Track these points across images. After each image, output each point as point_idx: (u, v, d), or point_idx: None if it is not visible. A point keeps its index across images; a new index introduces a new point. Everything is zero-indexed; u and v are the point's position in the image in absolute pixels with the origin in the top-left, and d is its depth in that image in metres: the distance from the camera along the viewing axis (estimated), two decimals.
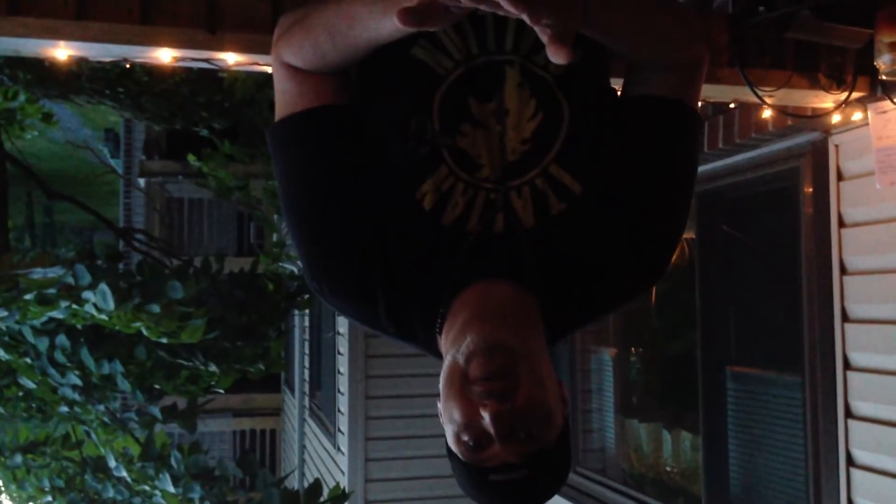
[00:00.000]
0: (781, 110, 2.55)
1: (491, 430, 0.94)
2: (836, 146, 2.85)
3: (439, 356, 1.08)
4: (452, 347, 1.00)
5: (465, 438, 0.97)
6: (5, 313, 3.32)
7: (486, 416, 0.94)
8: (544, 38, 0.85)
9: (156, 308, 3.29)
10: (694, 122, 1.16)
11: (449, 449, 1.01)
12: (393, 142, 1.09)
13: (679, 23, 1.12)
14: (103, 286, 3.19)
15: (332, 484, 6.34)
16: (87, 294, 3.24)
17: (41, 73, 5.44)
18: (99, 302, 3.20)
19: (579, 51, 0.87)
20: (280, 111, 1.10)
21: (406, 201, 1.08)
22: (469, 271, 1.06)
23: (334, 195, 1.08)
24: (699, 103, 1.19)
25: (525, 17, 0.83)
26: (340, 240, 1.08)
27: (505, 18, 1.12)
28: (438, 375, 1.04)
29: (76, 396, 3.83)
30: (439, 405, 1.03)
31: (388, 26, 0.94)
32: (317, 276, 1.11)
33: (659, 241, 1.14)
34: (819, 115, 2.55)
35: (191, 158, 6.36)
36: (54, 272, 3.24)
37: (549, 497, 1.02)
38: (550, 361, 1.03)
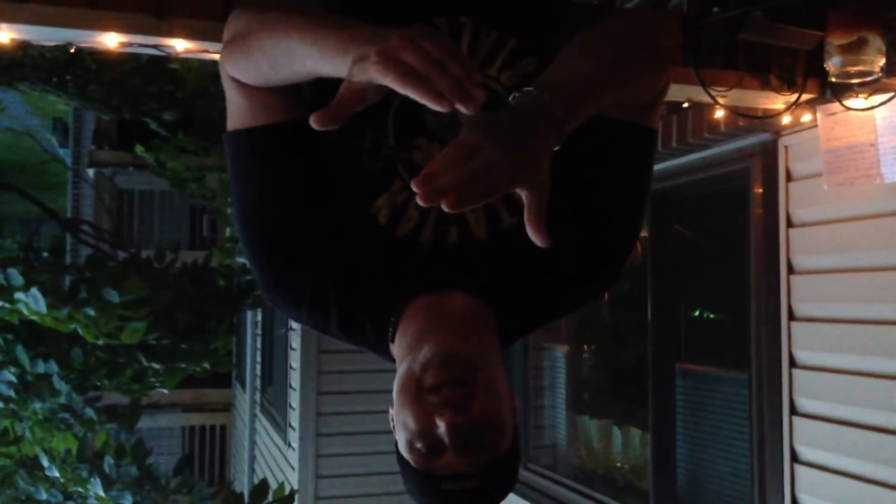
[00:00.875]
0: (733, 110, 2.58)
1: (446, 439, 0.94)
2: (786, 147, 2.89)
3: (391, 360, 1.08)
4: (409, 356, 1.00)
5: (419, 446, 0.96)
6: None
7: (441, 426, 0.94)
8: (526, 205, 0.86)
9: (91, 311, 3.24)
10: (651, 141, 1.16)
11: (400, 456, 1.01)
12: (347, 156, 1.08)
13: (650, 63, 1.09)
14: (34, 291, 3.15)
15: (282, 480, 6.28)
16: (19, 295, 3.18)
17: None
18: (31, 304, 3.15)
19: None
20: (232, 121, 1.08)
21: (361, 215, 1.08)
22: (421, 282, 1.06)
23: (288, 210, 1.07)
24: (659, 118, 1.18)
25: (460, 108, 0.83)
26: (293, 252, 1.08)
27: (459, 33, 1.11)
28: (392, 372, 1.03)
29: (11, 393, 3.75)
30: (391, 412, 1.02)
31: (325, 69, 0.92)
32: (270, 288, 1.10)
33: (610, 256, 1.15)
34: (770, 116, 2.59)
35: (139, 150, 6.23)
36: None
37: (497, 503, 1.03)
38: (504, 371, 1.04)
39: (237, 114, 1.07)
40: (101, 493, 3.48)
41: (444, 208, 0.80)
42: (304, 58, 0.94)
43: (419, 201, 0.80)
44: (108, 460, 3.56)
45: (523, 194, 0.86)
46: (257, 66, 1.00)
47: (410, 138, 1.08)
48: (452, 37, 1.09)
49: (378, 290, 1.08)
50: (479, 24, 1.12)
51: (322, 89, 1.08)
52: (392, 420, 1.02)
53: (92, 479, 3.51)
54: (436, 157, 0.83)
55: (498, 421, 0.97)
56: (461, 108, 0.82)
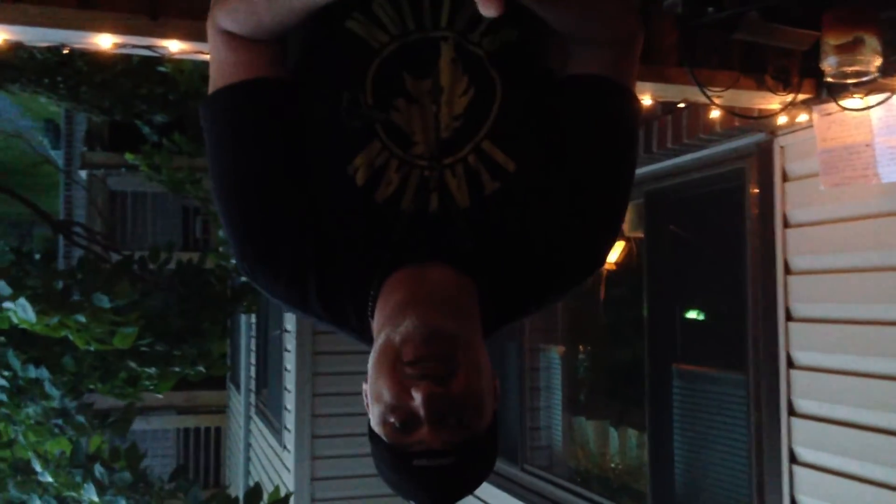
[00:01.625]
0: (729, 111, 2.57)
1: (421, 412, 0.91)
2: (782, 148, 2.89)
3: (372, 343, 1.04)
4: (387, 327, 0.96)
5: (392, 420, 0.93)
6: None
7: (417, 398, 0.90)
8: None
9: (82, 318, 3.22)
10: (629, 100, 1.14)
11: (371, 431, 0.97)
12: (326, 115, 1.06)
13: None
14: (23, 301, 3.12)
15: (277, 483, 6.26)
16: (7, 304, 3.16)
17: None
18: (20, 313, 3.13)
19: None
20: (215, 82, 1.07)
21: (339, 176, 1.05)
22: (402, 253, 1.03)
23: (267, 173, 1.05)
24: (635, 80, 1.16)
25: None
26: (272, 219, 1.05)
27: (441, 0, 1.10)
28: None
29: (3, 397, 3.72)
30: (365, 386, 0.99)
31: None
32: (246, 256, 1.07)
33: (599, 225, 1.12)
34: (765, 117, 2.58)
35: (129, 157, 6.21)
36: None
37: (472, 489, 0.99)
38: (485, 350, 1.00)
39: (220, 73, 1.06)
40: (95, 499, 3.46)
41: None
42: None
43: None
44: (99, 468, 3.53)
45: None
46: (251, 3, 1.00)
47: (389, 99, 1.06)
48: (434, 4, 1.08)
49: (358, 262, 1.05)
50: None
51: (304, 46, 1.08)
52: (365, 395, 0.99)
53: (85, 485, 3.48)
54: None
55: (477, 398, 0.94)
56: None
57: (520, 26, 1.10)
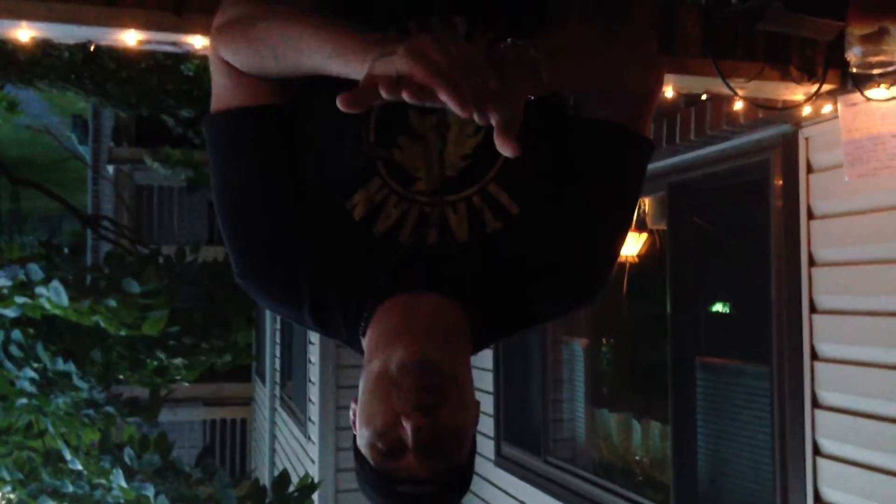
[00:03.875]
0: (753, 102, 2.56)
1: (409, 441, 0.95)
2: (807, 139, 2.87)
3: (361, 352, 1.08)
4: (382, 353, 1.00)
5: (380, 446, 0.97)
6: None
7: (407, 427, 0.94)
8: (493, 124, 0.84)
9: (112, 303, 3.27)
10: (643, 149, 1.15)
11: (357, 451, 1.02)
12: (327, 150, 1.08)
13: (637, 56, 1.09)
14: (56, 283, 3.18)
15: (302, 474, 6.31)
16: (40, 289, 3.22)
17: (4, 59, 5.34)
18: (52, 297, 3.18)
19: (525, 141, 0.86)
20: (215, 103, 1.08)
21: (337, 210, 1.07)
22: (398, 281, 1.06)
23: (265, 195, 1.07)
24: (650, 127, 1.18)
25: (476, 118, 0.83)
26: (269, 239, 1.07)
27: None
28: None
29: (34, 389, 3.80)
30: (354, 406, 1.03)
31: (335, 67, 0.92)
32: (244, 273, 1.10)
33: (595, 266, 1.14)
34: (790, 108, 2.57)
35: (148, 160, 6.31)
36: (4, 274, 3.23)
37: None
38: (471, 376, 1.04)
39: (220, 96, 1.07)
40: (124, 485, 3.52)
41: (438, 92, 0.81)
42: (314, 54, 0.94)
43: (408, 95, 0.81)
44: (129, 452, 3.60)
45: (494, 117, 0.84)
46: (259, 55, 1.00)
47: (393, 136, 1.07)
48: None
49: (352, 286, 1.07)
50: (474, 25, 1.11)
51: (309, 80, 1.07)
52: (353, 415, 1.03)
53: (114, 471, 3.55)
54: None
55: (461, 432, 0.98)
56: (477, 118, 0.83)
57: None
